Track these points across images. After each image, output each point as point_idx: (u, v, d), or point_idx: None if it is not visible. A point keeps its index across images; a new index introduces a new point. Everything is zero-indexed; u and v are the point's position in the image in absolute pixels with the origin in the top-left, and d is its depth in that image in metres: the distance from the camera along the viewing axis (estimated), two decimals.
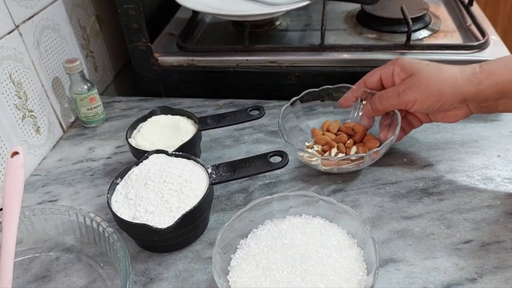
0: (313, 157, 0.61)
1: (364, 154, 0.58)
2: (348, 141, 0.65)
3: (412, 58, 0.61)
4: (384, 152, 0.61)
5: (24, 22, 0.68)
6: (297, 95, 0.69)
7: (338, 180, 0.63)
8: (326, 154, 0.65)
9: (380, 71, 0.63)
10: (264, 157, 0.59)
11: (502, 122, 0.71)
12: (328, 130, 0.68)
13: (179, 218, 0.50)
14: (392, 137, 0.59)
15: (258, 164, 0.58)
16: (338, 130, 0.68)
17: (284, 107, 0.67)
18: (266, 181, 0.64)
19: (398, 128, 0.60)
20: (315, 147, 0.67)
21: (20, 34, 0.67)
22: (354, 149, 0.64)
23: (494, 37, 0.79)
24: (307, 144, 0.68)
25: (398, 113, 0.62)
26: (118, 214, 0.51)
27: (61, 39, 0.76)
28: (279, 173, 0.65)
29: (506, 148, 0.66)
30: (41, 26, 0.71)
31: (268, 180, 0.65)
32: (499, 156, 0.65)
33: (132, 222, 0.50)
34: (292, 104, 0.68)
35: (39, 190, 0.66)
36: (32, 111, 0.70)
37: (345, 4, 0.91)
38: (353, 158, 0.59)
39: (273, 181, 0.64)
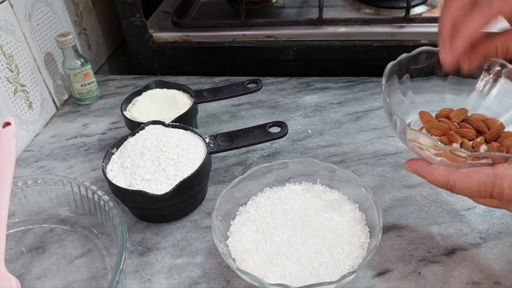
0: (436, 147, 0.39)
1: (509, 155, 0.37)
2: (478, 139, 0.43)
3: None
4: None
5: None
6: (295, 71, 0.68)
7: (338, 152, 0.62)
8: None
9: None
10: (263, 127, 0.57)
11: None
12: (447, 118, 0.46)
13: (176, 185, 0.48)
14: None
15: (256, 134, 0.57)
16: (463, 121, 0.46)
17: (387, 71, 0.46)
18: (264, 154, 0.63)
19: None
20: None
21: (11, 6, 0.65)
22: (484, 147, 0.43)
23: None
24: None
25: None
26: (114, 182, 0.50)
27: (54, 14, 0.75)
28: (278, 146, 0.64)
29: None
30: None
31: (267, 152, 0.64)
32: None
33: (128, 189, 0.49)
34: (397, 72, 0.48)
35: (32, 165, 0.65)
36: (24, 86, 0.68)
37: None
38: (494, 156, 0.38)
39: (272, 153, 0.63)
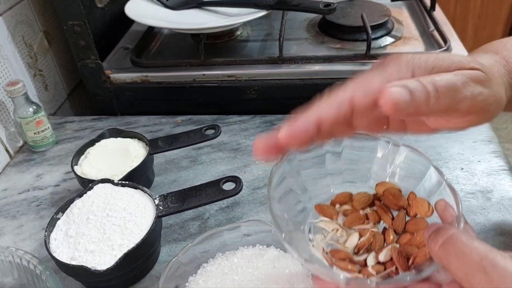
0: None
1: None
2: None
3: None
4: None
5: None
6: (258, 109, 0.66)
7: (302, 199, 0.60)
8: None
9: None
10: (217, 184, 0.55)
11: (465, 133, 0.69)
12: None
13: (119, 258, 0.46)
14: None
15: (209, 192, 0.54)
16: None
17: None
18: (222, 205, 0.61)
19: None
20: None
21: None
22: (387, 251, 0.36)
23: (456, 43, 0.77)
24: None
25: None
26: (55, 255, 0.47)
27: (3, 60, 0.72)
28: (237, 196, 0.62)
29: (469, 160, 0.64)
30: None
31: (225, 204, 0.61)
32: (462, 169, 0.63)
33: (70, 264, 0.46)
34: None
35: None
36: None
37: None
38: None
39: (230, 205, 0.61)
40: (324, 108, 0.31)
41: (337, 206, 0.40)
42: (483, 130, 0.69)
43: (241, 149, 0.71)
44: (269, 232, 0.50)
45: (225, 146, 0.72)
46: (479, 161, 0.64)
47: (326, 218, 0.39)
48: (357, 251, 0.36)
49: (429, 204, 0.37)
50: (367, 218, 0.38)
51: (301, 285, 0.45)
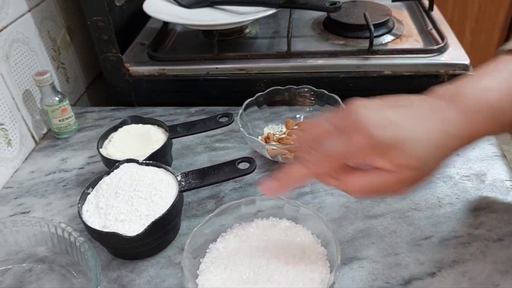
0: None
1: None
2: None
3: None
4: None
5: None
6: (267, 102, 0.73)
7: (306, 183, 0.66)
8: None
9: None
10: (233, 163, 0.60)
11: None
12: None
13: (148, 226, 0.51)
14: None
15: (226, 171, 0.60)
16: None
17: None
18: (236, 186, 0.66)
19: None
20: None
21: None
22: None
23: (453, 41, 0.82)
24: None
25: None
26: (89, 224, 0.52)
27: (31, 52, 0.77)
28: (249, 178, 0.67)
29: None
30: (10, 40, 0.72)
31: (238, 185, 0.66)
32: (458, 155, 0.68)
33: (103, 231, 0.51)
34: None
35: (11, 202, 0.67)
36: (2, 124, 0.70)
37: (312, 11, 0.94)
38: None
39: (243, 186, 0.66)
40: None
41: None
42: None
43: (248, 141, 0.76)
44: (281, 207, 0.55)
45: (236, 134, 0.77)
46: (474, 148, 0.69)
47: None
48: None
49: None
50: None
51: (311, 251, 0.50)
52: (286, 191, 0.45)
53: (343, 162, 0.41)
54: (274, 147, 0.64)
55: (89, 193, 0.57)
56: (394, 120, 0.39)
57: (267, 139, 0.70)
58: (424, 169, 0.40)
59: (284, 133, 0.72)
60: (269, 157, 0.67)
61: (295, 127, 0.73)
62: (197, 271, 0.50)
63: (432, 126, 0.39)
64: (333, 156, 0.40)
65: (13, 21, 0.73)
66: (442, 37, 0.82)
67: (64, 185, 0.69)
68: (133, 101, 0.87)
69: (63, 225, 0.54)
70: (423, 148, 0.39)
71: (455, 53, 0.79)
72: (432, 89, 0.43)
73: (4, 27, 0.71)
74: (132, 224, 0.52)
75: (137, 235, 0.50)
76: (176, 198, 0.55)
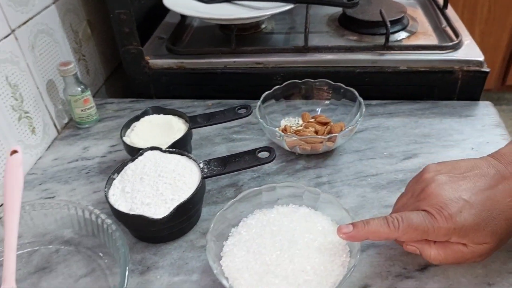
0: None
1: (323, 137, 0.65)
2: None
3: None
4: (341, 141, 0.68)
5: (19, 26, 0.70)
6: (284, 95, 0.75)
7: (323, 173, 0.67)
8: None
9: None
10: (253, 152, 0.62)
11: (475, 117, 0.76)
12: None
13: (173, 209, 0.53)
14: (351, 127, 0.66)
15: (247, 159, 0.61)
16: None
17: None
18: (254, 176, 0.68)
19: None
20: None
21: (16, 38, 0.69)
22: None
23: (467, 38, 0.84)
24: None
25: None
26: (116, 206, 0.54)
27: (55, 43, 0.79)
28: (267, 168, 0.69)
29: (479, 141, 0.71)
30: (36, 31, 0.74)
31: (257, 174, 0.68)
32: (472, 148, 0.69)
33: (129, 214, 0.53)
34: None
35: (36, 188, 0.69)
36: (27, 112, 0.72)
37: (327, 7, 0.96)
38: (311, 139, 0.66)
39: (262, 175, 0.68)
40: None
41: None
42: (492, 116, 0.76)
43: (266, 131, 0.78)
44: (300, 196, 0.57)
45: (253, 126, 0.79)
46: (487, 142, 0.71)
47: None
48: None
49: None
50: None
51: (331, 236, 0.51)
52: (357, 240, 0.48)
53: (423, 238, 0.47)
54: (294, 138, 0.66)
55: (114, 178, 0.59)
56: (469, 200, 0.45)
57: (284, 131, 0.72)
58: (500, 244, 0.46)
59: (301, 126, 0.74)
60: (287, 148, 0.69)
61: (312, 119, 0.74)
62: (221, 253, 0.51)
63: (505, 200, 0.45)
64: (418, 230, 0.45)
65: (39, 13, 0.75)
66: (457, 34, 0.83)
67: (87, 172, 0.71)
68: (152, 93, 0.89)
69: (90, 208, 0.56)
70: (499, 227, 0.45)
71: (469, 50, 0.80)
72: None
73: (31, 18, 0.73)
74: (157, 207, 0.54)
75: (163, 217, 0.52)
76: (199, 184, 0.56)
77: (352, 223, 0.48)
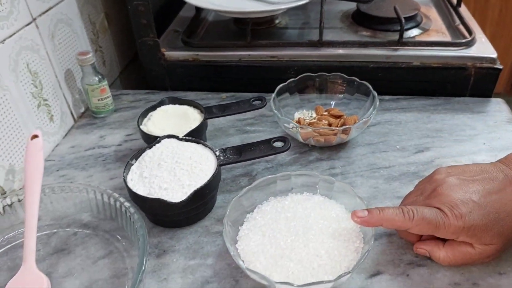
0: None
1: (337, 128, 0.67)
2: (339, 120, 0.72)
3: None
4: (355, 133, 0.69)
5: (40, 15, 0.72)
6: (297, 89, 0.77)
7: (336, 165, 0.68)
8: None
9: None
10: (268, 142, 0.63)
11: (487, 113, 0.76)
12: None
13: (191, 194, 0.54)
14: (365, 119, 0.67)
15: (262, 148, 0.62)
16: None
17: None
18: (268, 166, 0.69)
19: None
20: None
21: (37, 27, 0.71)
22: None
23: (481, 36, 0.84)
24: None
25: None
26: (134, 190, 0.55)
27: (73, 33, 0.81)
28: (281, 159, 0.70)
29: (491, 136, 0.71)
30: (56, 20, 0.75)
31: (270, 165, 0.69)
32: (484, 144, 0.70)
33: (148, 197, 0.54)
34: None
35: (54, 173, 0.70)
36: (46, 100, 0.74)
37: (341, 3, 0.97)
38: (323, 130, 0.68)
39: (275, 166, 0.69)
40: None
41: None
42: (504, 113, 0.77)
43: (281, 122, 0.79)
44: (314, 186, 0.58)
45: (267, 119, 0.80)
46: (499, 138, 0.71)
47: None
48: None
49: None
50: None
51: (345, 223, 0.52)
52: (371, 226, 0.49)
53: (433, 233, 0.48)
54: (309, 129, 0.67)
55: (132, 164, 0.60)
56: (478, 202, 0.47)
57: (298, 123, 0.73)
58: (506, 245, 0.48)
59: (314, 119, 0.75)
60: (301, 139, 0.70)
61: (325, 113, 0.75)
62: (236, 237, 0.52)
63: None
64: (430, 224, 0.47)
65: (59, 3, 0.76)
66: (470, 31, 0.84)
67: (104, 160, 0.72)
68: (167, 85, 0.90)
69: (109, 191, 0.57)
70: (506, 228, 0.46)
71: (482, 47, 0.81)
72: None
73: (51, 7, 0.74)
74: (175, 192, 0.55)
75: (181, 201, 0.53)
76: (215, 170, 0.57)
77: (367, 209, 0.49)
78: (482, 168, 0.50)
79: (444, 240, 0.50)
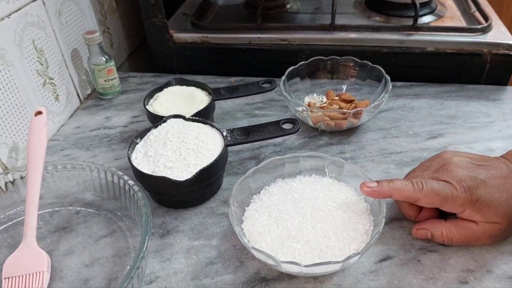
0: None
1: (347, 111, 0.65)
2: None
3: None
4: (366, 118, 0.67)
5: None
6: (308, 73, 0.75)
7: (346, 150, 0.66)
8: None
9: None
10: (277, 123, 0.62)
11: (503, 101, 0.74)
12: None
13: (196, 173, 0.52)
14: (377, 102, 0.65)
15: (270, 130, 0.61)
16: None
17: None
18: (276, 150, 0.67)
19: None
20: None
21: (44, 3, 0.70)
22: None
23: (498, 22, 0.82)
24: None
25: None
26: (139, 168, 0.54)
27: (80, 12, 0.79)
28: (290, 143, 0.68)
29: (507, 124, 0.69)
30: None
31: (279, 148, 0.67)
32: (499, 131, 0.68)
33: (152, 175, 0.53)
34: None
35: (58, 153, 0.69)
36: (52, 79, 0.72)
37: None
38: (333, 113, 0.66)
39: (283, 149, 0.67)
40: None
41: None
42: None
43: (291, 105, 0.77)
44: (323, 169, 0.56)
45: (276, 103, 0.78)
46: None
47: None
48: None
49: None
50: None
51: (355, 206, 0.51)
52: (381, 196, 0.48)
53: (441, 206, 0.47)
54: (319, 112, 0.65)
55: (137, 143, 0.59)
56: (485, 180, 0.47)
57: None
58: (509, 226, 0.47)
59: (325, 103, 0.73)
60: (311, 123, 0.68)
61: (336, 97, 0.73)
62: (242, 218, 0.51)
63: None
64: (439, 195, 0.46)
65: None
66: (486, 18, 0.81)
67: (109, 141, 0.71)
68: (175, 68, 0.88)
69: (113, 169, 0.56)
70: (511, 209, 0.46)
71: (499, 33, 0.79)
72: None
73: None
74: (180, 171, 0.53)
75: (186, 180, 0.51)
76: (222, 150, 0.56)
77: (376, 180, 0.48)
78: (486, 159, 0.50)
79: (444, 219, 0.50)
